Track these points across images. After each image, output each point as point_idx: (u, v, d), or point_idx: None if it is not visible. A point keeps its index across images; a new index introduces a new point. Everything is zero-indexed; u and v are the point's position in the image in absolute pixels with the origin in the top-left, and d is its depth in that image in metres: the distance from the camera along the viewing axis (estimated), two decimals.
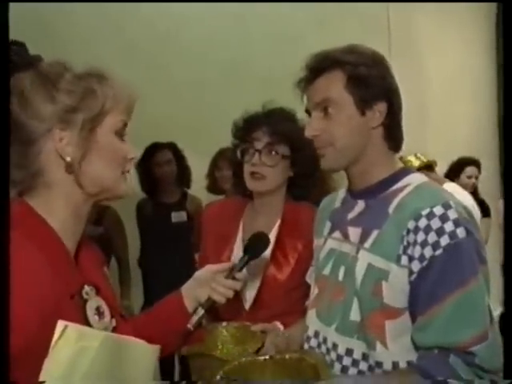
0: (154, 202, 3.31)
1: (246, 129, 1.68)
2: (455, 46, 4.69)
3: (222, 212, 1.79)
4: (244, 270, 1.31)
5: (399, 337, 1.14)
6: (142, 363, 0.99)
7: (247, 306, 1.66)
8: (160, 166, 3.25)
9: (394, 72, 1.25)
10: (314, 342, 1.28)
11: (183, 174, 3.34)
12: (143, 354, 0.99)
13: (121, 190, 1.01)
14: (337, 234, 1.29)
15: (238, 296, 1.64)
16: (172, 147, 3.31)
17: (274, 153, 1.62)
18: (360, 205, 1.25)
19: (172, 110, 3.54)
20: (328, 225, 1.35)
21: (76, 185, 0.95)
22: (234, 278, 1.26)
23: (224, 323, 1.51)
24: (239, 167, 1.69)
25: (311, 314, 1.30)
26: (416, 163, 3.39)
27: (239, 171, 1.69)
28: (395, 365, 1.14)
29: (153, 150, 3.26)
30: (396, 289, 1.13)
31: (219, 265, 1.30)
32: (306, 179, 1.68)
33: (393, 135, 1.23)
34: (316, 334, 1.27)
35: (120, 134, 0.99)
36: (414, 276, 1.11)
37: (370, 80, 1.18)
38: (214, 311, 1.65)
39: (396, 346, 1.14)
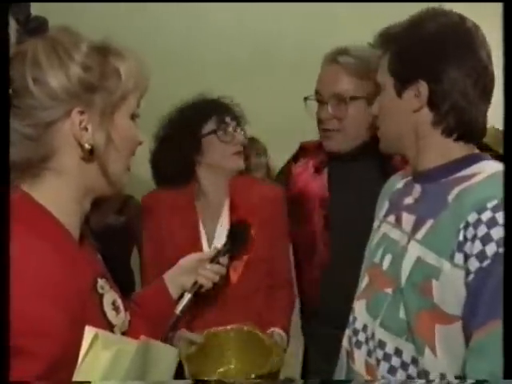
0: None
1: (206, 117, 1.72)
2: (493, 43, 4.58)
3: (172, 202, 1.72)
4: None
5: (450, 347, 1.03)
6: (166, 365, 0.96)
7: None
8: None
9: None
10: (361, 337, 1.21)
11: None
12: (168, 356, 0.97)
13: (121, 185, 0.97)
14: (391, 218, 1.23)
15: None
16: None
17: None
18: (417, 189, 1.18)
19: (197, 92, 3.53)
20: (386, 206, 1.29)
21: (95, 170, 0.90)
22: (218, 263, 1.35)
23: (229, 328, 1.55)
24: (185, 160, 1.70)
25: (360, 306, 1.24)
26: None
27: (185, 166, 1.70)
28: (442, 377, 1.04)
29: None
30: (448, 291, 1.01)
31: (203, 253, 1.40)
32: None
33: (445, 120, 1.13)
34: (364, 328, 1.20)
35: (134, 116, 0.95)
36: (471, 277, 0.98)
37: (408, 57, 1.13)
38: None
39: (445, 356, 1.04)
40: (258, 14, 3.73)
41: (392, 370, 1.11)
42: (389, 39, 1.18)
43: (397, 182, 1.31)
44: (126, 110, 0.92)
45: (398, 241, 1.16)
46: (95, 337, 0.79)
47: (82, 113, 0.86)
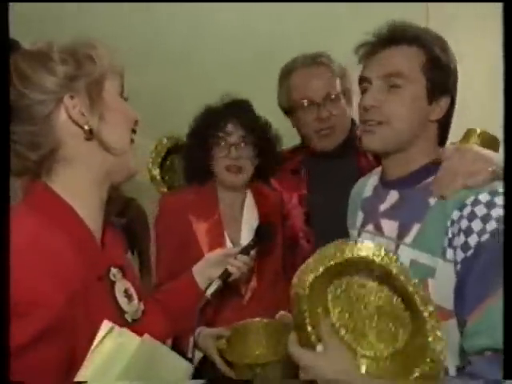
0: None
1: (214, 124, 1.72)
2: (494, 45, 4.57)
3: (196, 203, 1.76)
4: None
5: (449, 342, 1.04)
6: (174, 373, 1.00)
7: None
8: None
9: None
10: None
11: None
12: (176, 365, 1.01)
13: (131, 165, 1.03)
14: (370, 227, 1.26)
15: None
16: None
17: (247, 145, 1.70)
18: (393, 195, 1.21)
19: (201, 95, 3.54)
20: (360, 215, 1.31)
21: (99, 151, 0.97)
22: (247, 255, 1.45)
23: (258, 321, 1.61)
24: (203, 161, 1.72)
25: None
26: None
27: (204, 165, 1.73)
28: (445, 371, 1.07)
29: None
30: (444, 286, 1.07)
31: (229, 248, 1.51)
32: (271, 162, 1.78)
33: (444, 132, 1.20)
34: None
35: (123, 96, 1.03)
36: (458, 267, 1.05)
37: (446, 69, 1.15)
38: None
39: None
40: (262, 15, 3.73)
41: None
42: (416, 37, 1.15)
43: (363, 189, 1.33)
44: (112, 89, 1.00)
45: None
46: (110, 329, 0.87)
47: (72, 97, 0.95)
